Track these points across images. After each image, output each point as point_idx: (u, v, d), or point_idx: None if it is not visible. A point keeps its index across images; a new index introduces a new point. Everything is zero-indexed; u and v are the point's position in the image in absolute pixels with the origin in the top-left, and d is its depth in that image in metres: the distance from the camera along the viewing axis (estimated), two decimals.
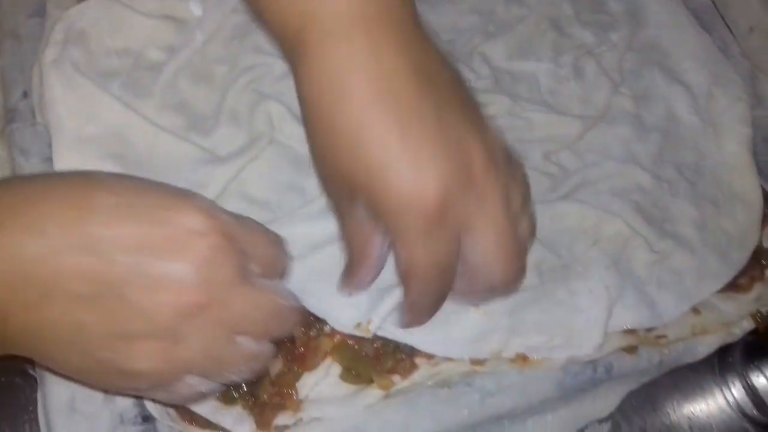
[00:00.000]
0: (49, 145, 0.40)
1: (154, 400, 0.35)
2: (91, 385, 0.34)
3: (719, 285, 0.44)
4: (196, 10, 0.45)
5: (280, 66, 0.44)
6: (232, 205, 0.38)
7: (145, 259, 0.28)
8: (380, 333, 0.38)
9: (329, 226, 0.39)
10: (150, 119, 0.41)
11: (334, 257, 0.38)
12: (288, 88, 0.42)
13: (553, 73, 0.49)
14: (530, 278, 0.41)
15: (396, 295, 0.37)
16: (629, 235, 0.44)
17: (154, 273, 0.28)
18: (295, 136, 0.42)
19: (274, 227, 0.35)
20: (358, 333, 0.38)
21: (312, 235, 0.40)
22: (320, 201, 0.40)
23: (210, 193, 0.39)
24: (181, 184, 0.32)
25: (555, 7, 0.52)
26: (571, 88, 0.49)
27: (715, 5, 0.56)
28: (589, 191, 0.45)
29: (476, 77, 0.47)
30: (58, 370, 0.32)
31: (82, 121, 0.40)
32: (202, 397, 0.34)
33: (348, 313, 0.38)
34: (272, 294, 0.32)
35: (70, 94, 0.41)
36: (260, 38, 0.45)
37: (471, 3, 0.51)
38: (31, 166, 0.40)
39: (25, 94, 0.42)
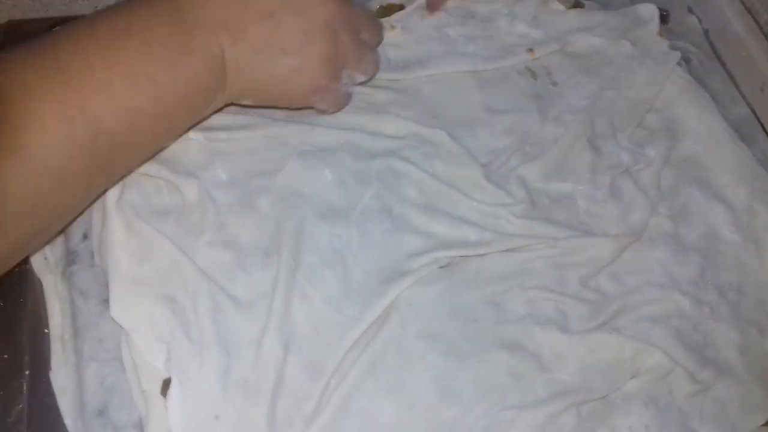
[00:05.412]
0: (106, 287, 0.42)
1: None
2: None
3: (764, 418, 0.44)
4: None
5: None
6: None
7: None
8: None
9: None
10: (197, 262, 0.43)
11: None
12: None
13: (590, 194, 0.50)
14: (569, 419, 0.41)
15: None
16: (669, 366, 0.44)
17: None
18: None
19: None
20: None
21: None
22: None
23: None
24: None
25: (591, 124, 0.53)
26: (608, 209, 0.49)
27: (756, 116, 0.56)
28: (628, 319, 0.45)
29: (513, 201, 0.48)
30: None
31: (138, 264, 0.42)
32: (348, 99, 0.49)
33: None
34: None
35: (129, 237, 0.42)
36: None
37: (506, 124, 0.52)
38: (89, 307, 0.42)
39: (85, 236, 0.45)
